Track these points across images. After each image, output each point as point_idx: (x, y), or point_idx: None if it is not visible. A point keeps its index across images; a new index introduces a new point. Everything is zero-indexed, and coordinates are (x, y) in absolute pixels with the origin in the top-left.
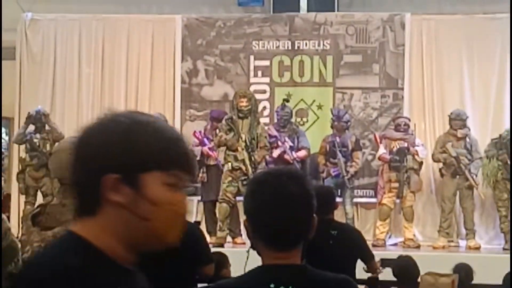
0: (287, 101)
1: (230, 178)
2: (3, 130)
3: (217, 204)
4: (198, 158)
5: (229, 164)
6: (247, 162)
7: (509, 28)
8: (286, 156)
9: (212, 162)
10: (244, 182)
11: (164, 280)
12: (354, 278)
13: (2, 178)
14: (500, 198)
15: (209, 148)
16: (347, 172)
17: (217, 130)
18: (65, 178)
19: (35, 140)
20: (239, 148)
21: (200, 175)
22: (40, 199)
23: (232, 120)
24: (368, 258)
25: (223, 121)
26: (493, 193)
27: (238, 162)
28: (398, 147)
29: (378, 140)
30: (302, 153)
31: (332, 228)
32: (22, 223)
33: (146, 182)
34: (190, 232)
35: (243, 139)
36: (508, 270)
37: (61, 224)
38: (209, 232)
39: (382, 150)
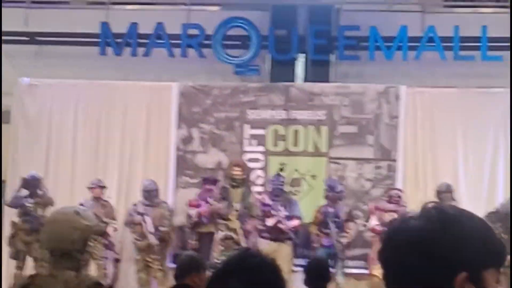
0: (282, 170)
1: (221, 247)
2: None
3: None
4: (190, 225)
5: (221, 233)
6: (239, 231)
7: (509, 101)
8: (281, 225)
9: (204, 230)
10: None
11: None
12: None
13: None
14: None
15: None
16: (340, 243)
17: (209, 198)
18: (57, 250)
19: (28, 205)
20: (232, 217)
21: (192, 242)
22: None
23: (225, 189)
24: None
25: (215, 190)
26: None
27: (230, 231)
28: (390, 218)
29: (373, 209)
30: (294, 222)
31: None
32: None
33: (487, 279)
34: None
35: (236, 208)
36: None
37: None
38: None
39: (374, 222)
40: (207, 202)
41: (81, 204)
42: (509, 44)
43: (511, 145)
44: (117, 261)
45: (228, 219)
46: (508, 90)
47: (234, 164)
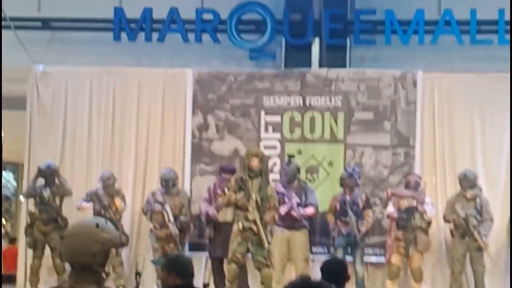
0: (292, 156)
1: (239, 238)
2: (11, 175)
3: (225, 263)
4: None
5: (239, 224)
6: (258, 222)
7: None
8: (293, 213)
9: (221, 220)
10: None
11: None
12: None
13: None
14: None
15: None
16: (359, 230)
17: (226, 189)
18: (77, 263)
19: (44, 195)
20: (250, 208)
21: (208, 231)
22: (48, 254)
23: (242, 179)
24: None
25: (232, 180)
26: None
27: (249, 222)
28: (407, 205)
29: (389, 196)
30: (310, 210)
31: None
32: None
33: None
34: None
35: (254, 198)
36: None
37: None
38: None
39: (390, 208)
40: (224, 192)
41: (95, 192)
42: None
43: (510, 141)
44: (138, 274)
45: (246, 210)
46: None
47: (252, 154)
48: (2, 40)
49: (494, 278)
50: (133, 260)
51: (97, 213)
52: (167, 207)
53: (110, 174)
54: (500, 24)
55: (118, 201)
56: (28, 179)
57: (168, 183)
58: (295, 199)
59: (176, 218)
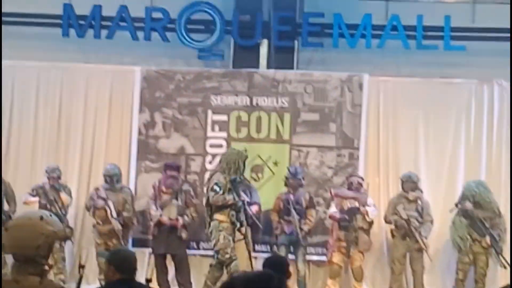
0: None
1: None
2: None
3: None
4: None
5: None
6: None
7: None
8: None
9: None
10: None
11: None
12: None
13: None
14: (462, 261)
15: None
16: (301, 229)
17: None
18: (21, 255)
19: None
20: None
21: (152, 228)
22: None
23: (235, 180)
24: None
25: (221, 179)
26: (458, 255)
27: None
28: (349, 206)
29: (332, 196)
30: (255, 208)
31: None
32: None
33: None
34: None
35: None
36: None
37: None
38: (159, 285)
39: (333, 209)
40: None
41: (41, 187)
42: (472, 34)
43: (511, 143)
44: (81, 267)
45: (239, 211)
46: (470, 80)
47: (246, 157)
48: (2, 39)
49: (432, 278)
50: (76, 254)
51: (43, 207)
52: (110, 203)
53: (56, 166)
54: (446, 30)
55: (64, 195)
56: None
57: (112, 179)
58: (245, 198)
59: (119, 214)
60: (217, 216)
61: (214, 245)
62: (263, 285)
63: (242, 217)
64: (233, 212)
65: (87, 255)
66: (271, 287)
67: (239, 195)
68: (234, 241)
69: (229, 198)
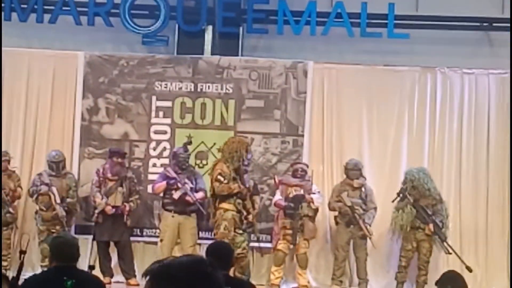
0: (190, 143)
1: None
2: None
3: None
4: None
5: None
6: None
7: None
8: (187, 198)
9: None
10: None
11: None
12: None
13: None
14: (405, 248)
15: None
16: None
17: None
18: None
19: None
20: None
21: (96, 215)
22: None
23: (239, 168)
24: None
25: (225, 169)
26: (402, 243)
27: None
28: (294, 193)
29: (277, 183)
30: (200, 194)
31: (228, 284)
32: None
33: None
34: None
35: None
36: None
37: None
38: (102, 272)
39: (278, 196)
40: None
41: None
42: (415, 22)
43: (511, 140)
44: (22, 252)
45: (244, 199)
46: (413, 68)
47: (248, 146)
48: (1, 39)
49: (376, 265)
50: (18, 241)
51: None
52: (54, 189)
53: (5, 151)
54: (389, 18)
55: (15, 186)
56: None
57: (58, 165)
58: (189, 185)
59: (62, 200)
60: (223, 205)
61: (214, 234)
62: (193, 270)
63: (249, 205)
64: (239, 201)
65: (29, 242)
66: (201, 271)
67: (244, 184)
68: (242, 230)
69: (234, 186)
